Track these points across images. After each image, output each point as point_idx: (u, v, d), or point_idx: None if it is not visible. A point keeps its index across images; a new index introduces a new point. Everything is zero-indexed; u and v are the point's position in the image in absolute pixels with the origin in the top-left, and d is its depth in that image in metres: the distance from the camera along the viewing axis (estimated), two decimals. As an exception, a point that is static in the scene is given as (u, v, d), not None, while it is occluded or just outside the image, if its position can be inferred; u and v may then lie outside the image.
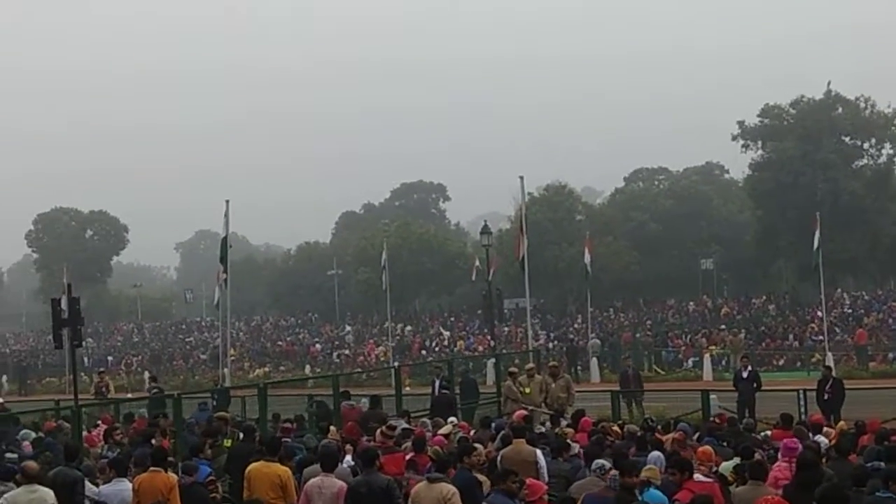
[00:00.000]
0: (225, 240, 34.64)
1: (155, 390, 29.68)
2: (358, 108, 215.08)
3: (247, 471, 12.79)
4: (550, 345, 53.61)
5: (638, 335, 53.21)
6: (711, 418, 20.51)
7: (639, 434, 16.26)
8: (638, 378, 31.10)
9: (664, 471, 12.68)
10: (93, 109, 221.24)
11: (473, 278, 52.55)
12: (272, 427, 19.72)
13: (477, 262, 50.82)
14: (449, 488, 11.19)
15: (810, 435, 16.12)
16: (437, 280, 75.31)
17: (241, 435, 15.95)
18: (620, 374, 32.01)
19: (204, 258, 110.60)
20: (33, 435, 18.82)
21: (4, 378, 60.25)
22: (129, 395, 42.62)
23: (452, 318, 68.13)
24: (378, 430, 15.26)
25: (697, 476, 11.79)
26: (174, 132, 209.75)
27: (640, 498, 11.05)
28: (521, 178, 37.57)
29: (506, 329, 57.72)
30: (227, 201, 34.22)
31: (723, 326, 52.73)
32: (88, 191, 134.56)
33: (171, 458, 14.55)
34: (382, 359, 55.46)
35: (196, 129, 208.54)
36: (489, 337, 52.71)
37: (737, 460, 13.10)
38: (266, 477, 12.52)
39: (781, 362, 46.00)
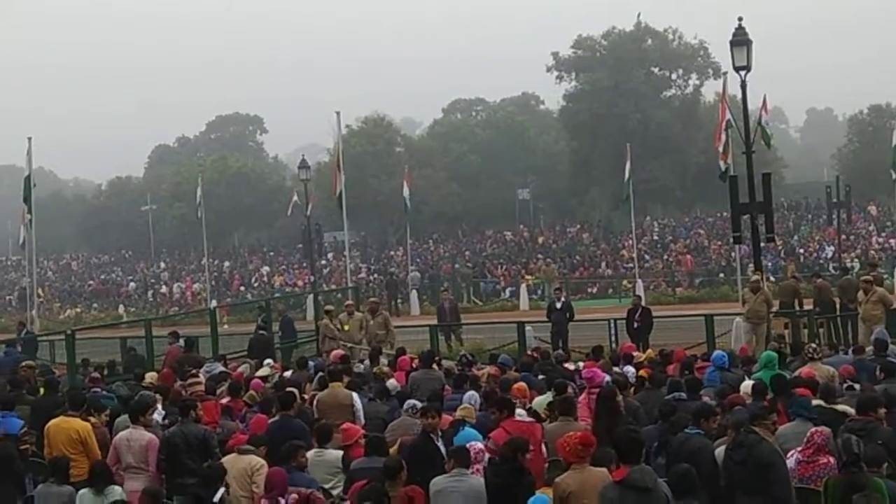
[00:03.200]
0: (28, 178, 32.96)
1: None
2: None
3: (46, 427, 12.23)
4: (371, 278, 53.70)
5: (457, 266, 53.79)
6: (528, 352, 20.86)
7: (456, 371, 16.37)
8: (455, 311, 31.18)
9: (482, 409, 12.80)
10: None
11: (290, 213, 51.84)
12: (82, 376, 19.05)
13: (295, 197, 50.15)
14: (257, 461, 10.85)
15: (619, 365, 16.51)
16: (256, 214, 74.24)
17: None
18: (438, 308, 32.10)
19: (8, 195, 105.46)
20: None
21: None
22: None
23: (272, 253, 67.40)
24: (186, 382, 14.88)
25: (520, 413, 11.88)
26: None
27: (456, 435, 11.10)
28: (338, 113, 37.39)
29: (324, 263, 57.45)
30: (30, 138, 32.56)
31: (539, 256, 53.87)
32: None
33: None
34: (201, 295, 54.46)
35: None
36: (309, 272, 52.37)
37: (549, 396, 13.29)
38: (64, 433, 11.97)
39: (594, 290, 47.34)
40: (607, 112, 61.44)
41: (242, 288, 57.39)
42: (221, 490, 9.95)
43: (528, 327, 25.05)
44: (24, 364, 18.64)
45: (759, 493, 9.03)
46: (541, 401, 13.51)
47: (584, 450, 8.72)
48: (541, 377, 15.67)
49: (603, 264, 50.84)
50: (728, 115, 28.12)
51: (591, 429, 10.70)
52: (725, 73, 29.76)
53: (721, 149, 28.37)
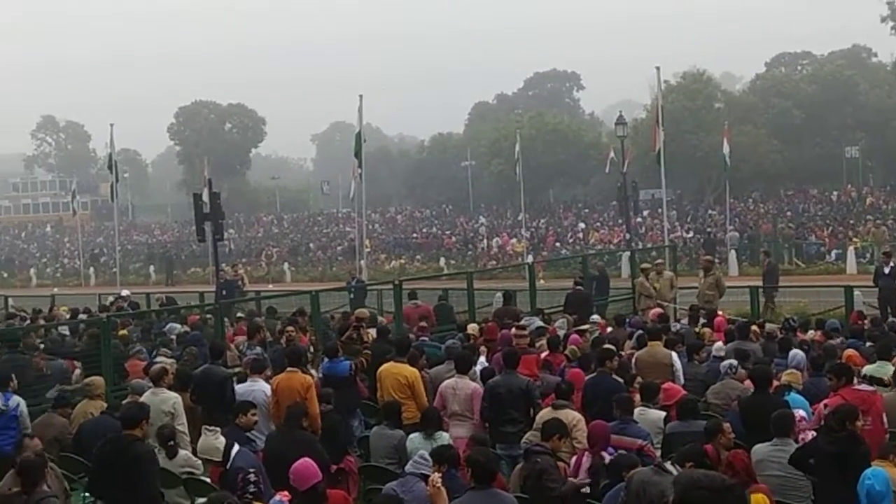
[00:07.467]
0: (359, 134, 34.67)
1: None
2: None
3: (378, 371, 12.92)
4: (687, 237, 52.79)
5: (778, 226, 51.87)
6: (853, 317, 19.86)
7: (779, 336, 15.88)
8: (773, 272, 29.92)
9: (811, 373, 12.30)
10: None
11: (608, 170, 51.64)
12: (408, 326, 19.81)
13: (612, 153, 49.92)
14: (574, 415, 10.90)
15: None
16: (571, 171, 74.57)
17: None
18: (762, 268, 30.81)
19: (339, 149, 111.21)
20: (179, 328, 19.34)
21: (152, 268, 62.32)
22: (271, 287, 43.81)
23: (586, 210, 67.60)
24: (511, 331, 15.16)
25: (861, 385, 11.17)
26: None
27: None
28: (658, 68, 36.58)
29: (639, 220, 56.97)
30: (361, 96, 34.20)
31: (868, 217, 50.99)
32: (228, 85, 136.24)
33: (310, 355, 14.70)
34: (519, 250, 55.41)
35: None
36: (624, 229, 52.14)
37: (882, 364, 12.54)
38: (393, 377, 12.57)
39: (930, 255, 44.21)
40: (950, 64, 57.16)
41: (558, 244, 57.93)
42: None
43: (856, 292, 23.84)
44: (357, 312, 19.60)
45: None
46: (872, 368, 12.74)
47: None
48: (869, 345, 14.91)
49: (941, 227, 47.49)
50: None
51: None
52: None
53: None
